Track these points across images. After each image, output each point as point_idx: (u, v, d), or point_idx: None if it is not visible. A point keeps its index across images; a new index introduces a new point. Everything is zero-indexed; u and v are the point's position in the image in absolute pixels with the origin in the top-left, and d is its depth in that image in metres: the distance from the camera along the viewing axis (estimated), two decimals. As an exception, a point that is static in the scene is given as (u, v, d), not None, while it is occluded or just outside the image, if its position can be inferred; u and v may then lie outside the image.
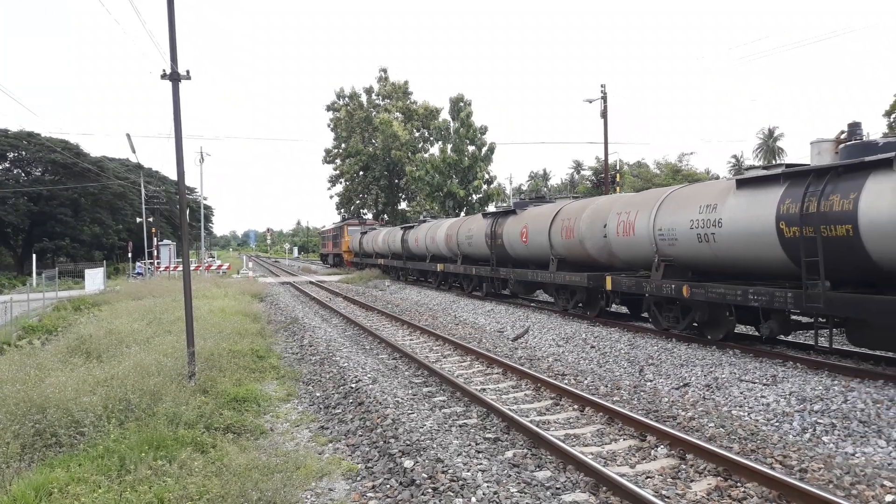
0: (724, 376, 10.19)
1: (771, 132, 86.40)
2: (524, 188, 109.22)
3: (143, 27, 14.74)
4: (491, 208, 38.07)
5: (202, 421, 8.22)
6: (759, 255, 10.95)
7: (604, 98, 34.09)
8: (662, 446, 7.41)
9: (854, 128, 11.10)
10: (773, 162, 72.66)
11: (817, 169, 10.10)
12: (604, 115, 34.25)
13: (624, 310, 17.72)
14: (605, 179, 38.69)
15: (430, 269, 30.31)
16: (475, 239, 24.14)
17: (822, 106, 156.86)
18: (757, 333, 12.37)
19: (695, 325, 12.99)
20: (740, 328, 13.59)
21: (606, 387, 10.54)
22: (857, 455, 7.04)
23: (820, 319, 10.47)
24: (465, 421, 8.68)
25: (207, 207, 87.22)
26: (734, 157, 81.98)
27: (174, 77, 10.88)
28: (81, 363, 11.37)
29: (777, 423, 8.21)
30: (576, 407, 9.29)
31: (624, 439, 7.85)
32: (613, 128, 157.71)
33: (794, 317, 11.43)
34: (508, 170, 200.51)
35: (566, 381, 10.84)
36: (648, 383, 10.69)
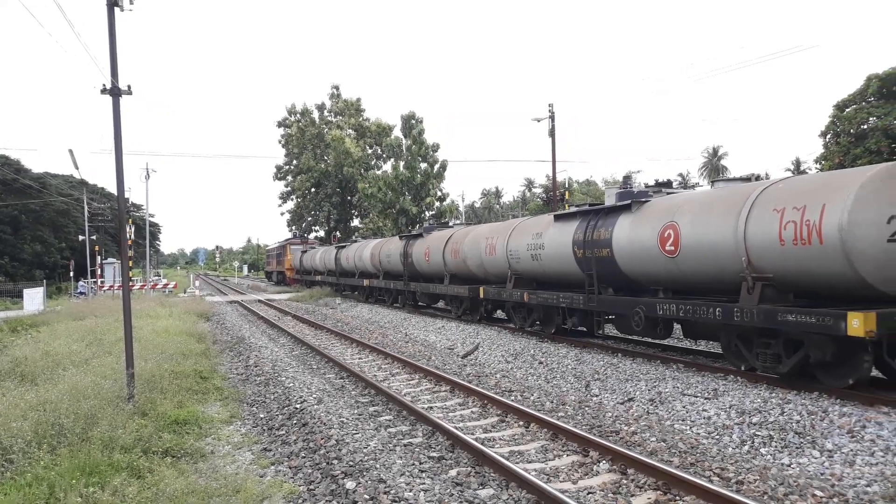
0: (667, 391, 10.35)
1: (715, 151, 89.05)
2: (477, 205, 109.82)
3: (78, 40, 14.38)
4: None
5: (140, 445, 7.97)
6: (565, 270, 14.76)
7: (551, 117, 34.56)
8: (605, 461, 7.47)
9: (627, 179, 15.21)
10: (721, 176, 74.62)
11: (594, 209, 13.98)
12: (551, 133, 34.72)
13: (504, 315, 20.39)
14: (553, 197, 39.16)
15: (358, 285, 33.95)
16: (392, 257, 27.44)
17: (767, 124, 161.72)
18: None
19: (537, 323, 16.48)
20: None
21: (552, 402, 10.59)
22: (792, 466, 7.21)
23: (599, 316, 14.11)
24: (410, 440, 8.62)
25: (154, 225, 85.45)
26: (680, 174, 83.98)
27: (115, 92, 10.64)
28: (14, 387, 10.93)
29: (717, 436, 8.36)
30: (521, 423, 9.31)
31: (567, 455, 7.89)
32: (564, 146, 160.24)
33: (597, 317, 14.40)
34: (461, 187, 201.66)
35: (513, 398, 10.87)
36: (594, 398, 10.79)
